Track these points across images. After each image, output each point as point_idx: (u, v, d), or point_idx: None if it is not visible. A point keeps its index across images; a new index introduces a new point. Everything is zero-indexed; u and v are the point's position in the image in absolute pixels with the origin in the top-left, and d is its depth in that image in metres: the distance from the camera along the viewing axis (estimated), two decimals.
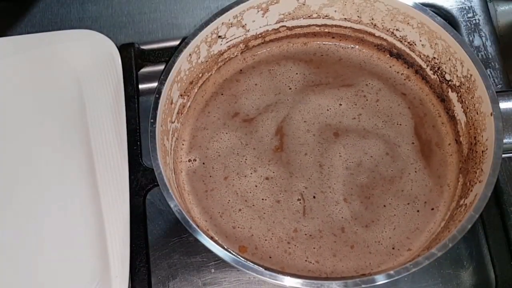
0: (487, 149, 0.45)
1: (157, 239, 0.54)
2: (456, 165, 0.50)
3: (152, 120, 0.46)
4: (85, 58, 0.58)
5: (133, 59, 0.58)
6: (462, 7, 0.63)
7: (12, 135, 0.56)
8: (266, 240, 0.48)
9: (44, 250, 0.52)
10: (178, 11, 0.65)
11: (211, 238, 0.44)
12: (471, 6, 0.63)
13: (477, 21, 0.62)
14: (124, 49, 0.59)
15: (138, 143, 0.55)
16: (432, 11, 0.50)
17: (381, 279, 0.40)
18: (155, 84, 0.60)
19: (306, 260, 0.47)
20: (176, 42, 0.61)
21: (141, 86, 0.59)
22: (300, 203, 0.49)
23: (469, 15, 0.62)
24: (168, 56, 0.60)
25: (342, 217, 0.48)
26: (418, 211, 0.49)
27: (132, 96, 0.57)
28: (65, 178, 0.54)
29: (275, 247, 0.48)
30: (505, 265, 0.50)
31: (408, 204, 0.49)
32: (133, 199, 0.52)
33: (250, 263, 0.43)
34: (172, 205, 0.43)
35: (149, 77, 0.60)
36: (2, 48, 0.59)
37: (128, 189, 0.52)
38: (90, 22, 0.64)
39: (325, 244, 0.48)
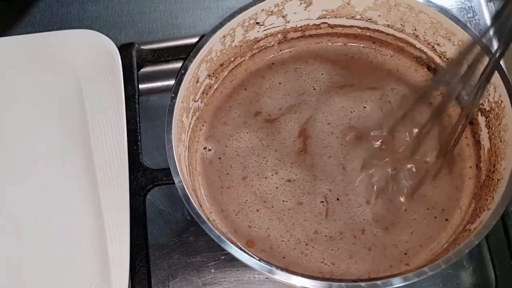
0: (502, 178, 0.45)
1: (157, 239, 0.54)
2: (472, 190, 0.49)
3: (173, 95, 0.46)
4: (85, 58, 0.58)
5: (133, 59, 0.58)
6: (462, 7, 0.63)
7: (12, 135, 0.56)
8: (283, 241, 0.48)
9: (44, 250, 0.52)
10: (178, 11, 0.65)
11: (219, 230, 0.44)
12: (471, 6, 0.63)
13: (477, 21, 0.62)
14: (124, 49, 0.59)
15: (138, 143, 0.55)
16: None
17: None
18: (155, 84, 0.61)
19: (322, 262, 0.47)
20: (177, 42, 0.61)
21: (141, 86, 0.59)
22: (323, 205, 0.49)
23: (469, 15, 0.62)
24: (168, 56, 0.60)
25: (364, 219, 0.48)
26: (435, 217, 0.48)
27: (132, 96, 0.57)
28: (65, 178, 0.54)
29: (291, 248, 0.47)
30: (505, 265, 0.50)
31: (428, 209, 0.48)
32: (133, 199, 0.52)
33: (234, 246, 0.42)
34: (176, 181, 0.43)
35: (149, 77, 0.60)
36: (2, 48, 0.59)
37: (128, 189, 0.52)
38: (90, 22, 0.64)
39: (344, 245, 0.47)
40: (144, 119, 0.57)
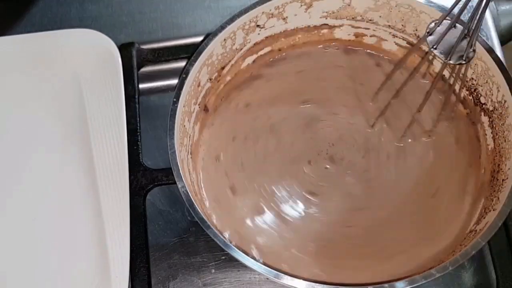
0: (507, 178, 0.45)
1: (157, 239, 0.54)
2: (475, 191, 0.49)
3: (175, 99, 0.46)
4: (85, 58, 0.58)
5: (133, 58, 0.58)
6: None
7: (12, 135, 0.56)
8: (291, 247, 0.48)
9: (44, 250, 0.52)
10: (178, 10, 0.65)
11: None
12: (472, 6, 0.62)
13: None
14: (124, 49, 0.59)
15: (138, 143, 0.55)
16: None
17: None
18: (155, 84, 0.60)
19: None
20: (177, 42, 0.61)
21: (141, 86, 0.59)
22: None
23: (470, 15, 0.62)
24: (169, 55, 0.60)
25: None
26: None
27: (132, 96, 0.56)
28: (65, 178, 0.54)
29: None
30: (506, 265, 0.50)
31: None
32: (133, 199, 0.52)
33: (242, 252, 0.43)
34: (179, 186, 0.43)
35: (149, 77, 0.60)
36: (2, 48, 0.58)
37: (128, 189, 0.52)
38: (90, 22, 0.64)
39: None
40: (144, 119, 0.56)
